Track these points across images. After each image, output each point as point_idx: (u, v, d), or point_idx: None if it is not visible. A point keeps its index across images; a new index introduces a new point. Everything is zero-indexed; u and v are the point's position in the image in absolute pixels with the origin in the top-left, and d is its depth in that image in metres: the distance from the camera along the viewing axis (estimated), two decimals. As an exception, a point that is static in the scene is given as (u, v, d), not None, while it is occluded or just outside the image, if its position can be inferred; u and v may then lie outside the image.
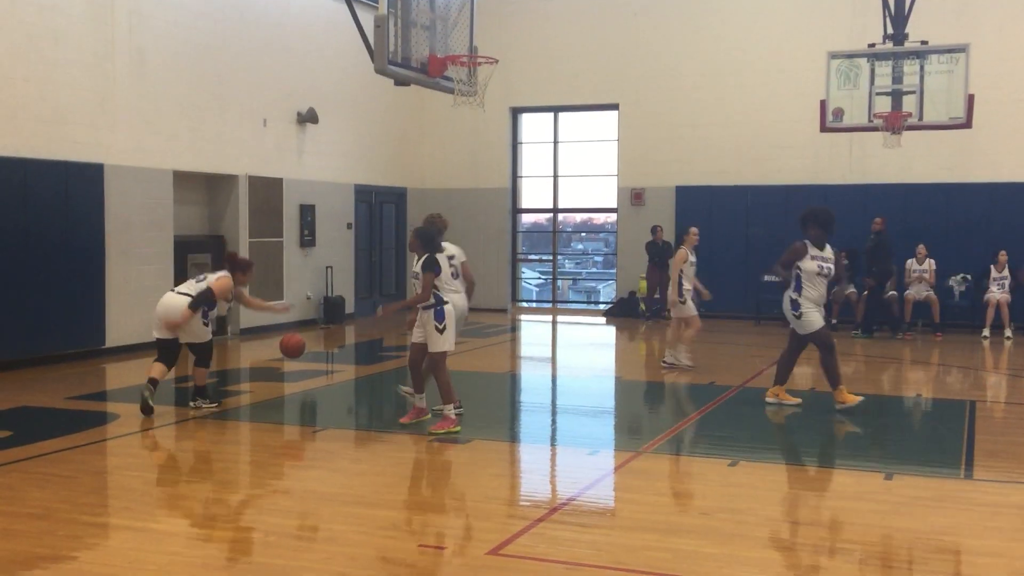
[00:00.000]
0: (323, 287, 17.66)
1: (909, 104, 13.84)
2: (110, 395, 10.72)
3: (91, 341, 12.95)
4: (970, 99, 13.55)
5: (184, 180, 14.77)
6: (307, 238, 17.22)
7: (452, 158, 20.86)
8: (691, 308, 12.28)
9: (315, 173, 17.44)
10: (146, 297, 13.75)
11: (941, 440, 8.89)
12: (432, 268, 8.20)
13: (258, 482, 7.18)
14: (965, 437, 8.53)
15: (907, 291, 16.49)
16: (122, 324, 13.35)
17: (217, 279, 9.35)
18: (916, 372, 13.12)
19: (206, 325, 9.44)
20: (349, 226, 18.54)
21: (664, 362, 12.66)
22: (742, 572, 5.02)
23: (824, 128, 14.59)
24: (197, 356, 9.52)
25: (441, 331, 8.23)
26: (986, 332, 15.88)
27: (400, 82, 9.67)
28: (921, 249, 16.66)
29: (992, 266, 16.30)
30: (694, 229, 12.60)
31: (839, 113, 14.20)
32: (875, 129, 14.24)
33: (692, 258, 12.31)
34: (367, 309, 18.87)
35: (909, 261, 16.66)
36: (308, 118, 16.96)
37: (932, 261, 16.64)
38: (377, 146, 19.44)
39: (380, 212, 19.91)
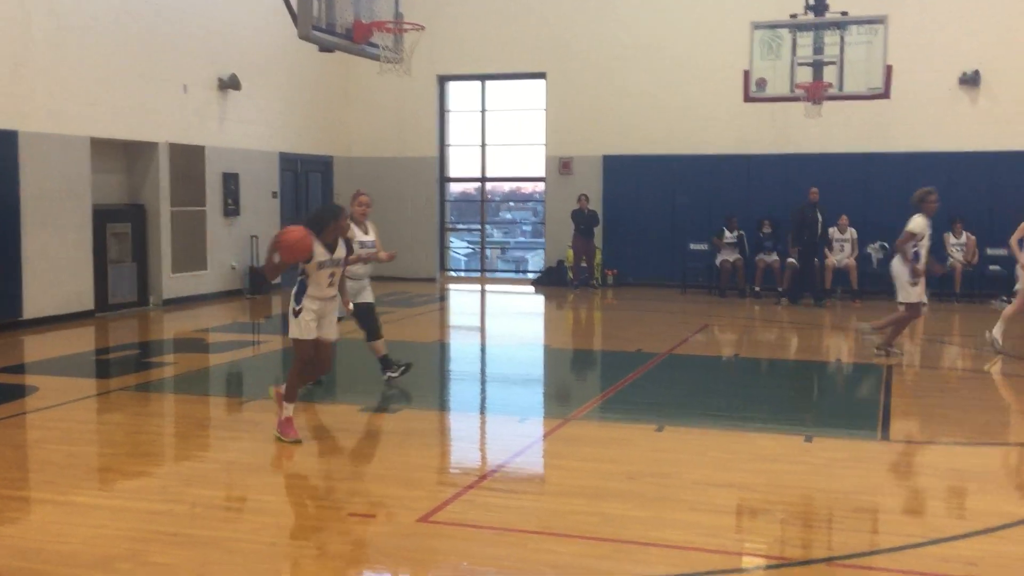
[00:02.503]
0: (248, 257, 17.42)
1: (830, 75, 14.08)
2: (28, 368, 10.46)
3: (7, 313, 12.61)
4: (888, 70, 13.83)
5: (102, 148, 14.39)
6: (231, 207, 16.94)
7: (379, 126, 20.66)
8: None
9: (238, 141, 17.14)
10: (64, 268, 13.46)
11: (858, 403, 9.15)
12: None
13: (184, 454, 7.09)
14: (881, 400, 8.78)
15: (827, 259, 16.86)
16: (40, 296, 13.02)
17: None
18: (835, 338, 13.44)
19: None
20: (274, 195, 18.29)
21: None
22: (668, 534, 5.12)
23: (747, 98, 14.77)
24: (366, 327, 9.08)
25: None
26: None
27: (325, 48, 9.54)
28: (844, 219, 17.03)
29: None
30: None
31: (762, 83, 14.39)
32: (797, 99, 14.47)
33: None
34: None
35: (832, 230, 17.02)
36: (230, 84, 16.62)
37: (853, 231, 17.03)
38: (302, 114, 19.16)
39: (306, 181, 19.66)
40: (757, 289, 17.34)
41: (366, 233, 8.77)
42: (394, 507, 5.62)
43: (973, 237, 16.83)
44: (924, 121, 17.41)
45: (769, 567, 4.82)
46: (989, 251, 16.88)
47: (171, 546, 4.98)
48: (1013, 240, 11.32)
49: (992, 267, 16.86)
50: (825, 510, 5.74)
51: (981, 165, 17.13)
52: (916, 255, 10.47)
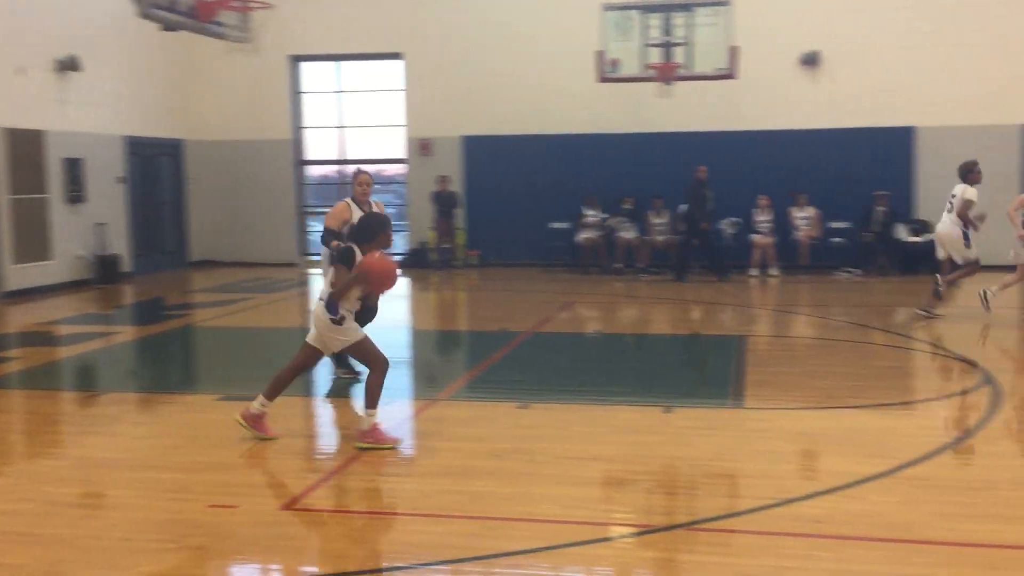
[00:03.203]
0: (96, 245, 16.72)
1: (681, 56, 14.44)
2: None
3: None
4: (734, 51, 14.28)
5: (-68, 133, 13.56)
6: (75, 194, 16.21)
7: (230, 109, 20.10)
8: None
9: (81, 124, 16.40)
10: None
11: (714, 374, 9.46)
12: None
13: (34, 451, 6.78)
14: (736, 370, 9.09)
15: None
16: None
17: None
18: (694, 311, 13.83)
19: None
20: (121, 180, 17.59)
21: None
22: (534, 508, 5.19)
23: (602, 79, 15.01)
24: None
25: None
26: (754, 271, 16.97)
27: (168, 27, 9.21)
28: (658, 202, 17.56)
29: (754, 210, 17.40)
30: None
31: (616, 64, 14.64)
32: (650, 80, 14.79)
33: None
34: (147, 267, 18.07)
35: (681, 207, 17.49)
36: (69, 65, 15.87)
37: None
38: (149, 96, 18.46)
39: (155, 165, 18.98)
40: (619, 266, 17.69)
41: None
42: (256, 496, 5.52)
43: (815, 210, 17.55)
44: (770, 100, 18.02)
45: (634, 535, 4.95)
46: (832, 224, 17.64)
47: (19, 545, 4.76)
48: (1011, 210, 11.86)
49: (835, 239, 17.65)
50: (684, 477, 5.92)
51: (823, 142, 17.87)
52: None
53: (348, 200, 8.41)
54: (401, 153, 20.14)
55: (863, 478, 5.62)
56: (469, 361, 10.49)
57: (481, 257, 19.07)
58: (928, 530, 4.90)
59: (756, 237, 17.24)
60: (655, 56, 14.50)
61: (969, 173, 11.72)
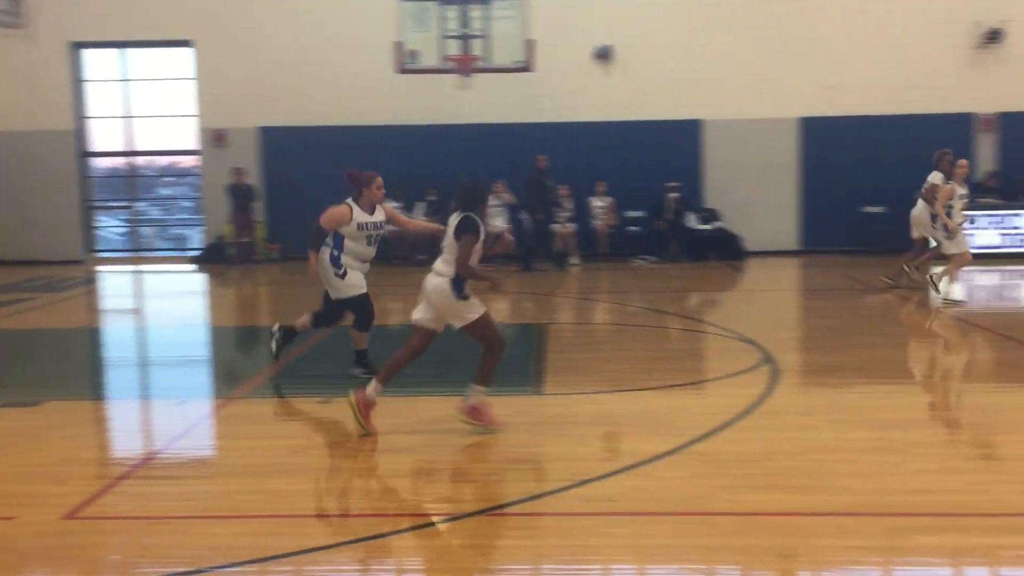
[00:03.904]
0: None
1: (478, 48, 14.55)
2: None
3: None
4: (530, 44, 14.52)
5: None
6: None
7: (5, 98, 18.79)
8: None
9: None
10: None
11: (516, 362, 9.59)
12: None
13: None
14: (537, 357, 9.26)
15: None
16: None
17: (329, 208, 7.96)
18: (498, 301, 13.98)
19: (340, 276, 7.93)
20: None
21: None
22: (332, 503, 5.13)
23: (400, 70, 14.94)
24: (354, 316, 8.17)
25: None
26: (560, 261, 17.39)
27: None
28: (499, 186, 17.72)
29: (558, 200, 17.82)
30: (963, 161, 12.19)
31: (414, 55, 14.60)
32: (448, 71, 14.83)
33: (960, 191, 11.96)
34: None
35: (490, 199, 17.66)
36: None
37: (508, 196, 17.78)
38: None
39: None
40: (424, 257, 17.68)
41: (371, 214, 8.08)
42: (36, 506, 5.19)
43: (612, 199, 18.11)
44: (566, 93, 18.45)
45: (440, 523, 4.96)
46: (628, 213, 18.26)
47: None
48: (939, 206, 11.98)
49: (631, 228, 18.27)
50: (488, 464, 5.99)
51: (618, 134, 18.45)
52: (948, 210, 11.81)
53: (350, 203, 8.02)
54: (194, 144, 19.42)
55: (654, 456, 5.85)
56: (269, 357, 10.23)
57: (283, 251, 18.64)
58: (714, 502, 5.14)
59: (556, 227, 17.62)
60: (454, 48, 14.56)
61: (939, 161, 12.43)
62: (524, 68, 14.70)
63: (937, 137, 17.88)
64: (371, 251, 8.21)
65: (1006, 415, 6.90)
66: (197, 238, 20.48)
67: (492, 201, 17.55)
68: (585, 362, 9.09)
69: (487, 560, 4.54)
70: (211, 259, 18.69)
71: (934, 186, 12.30)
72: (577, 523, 4.90)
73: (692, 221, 18.13)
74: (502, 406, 7.33)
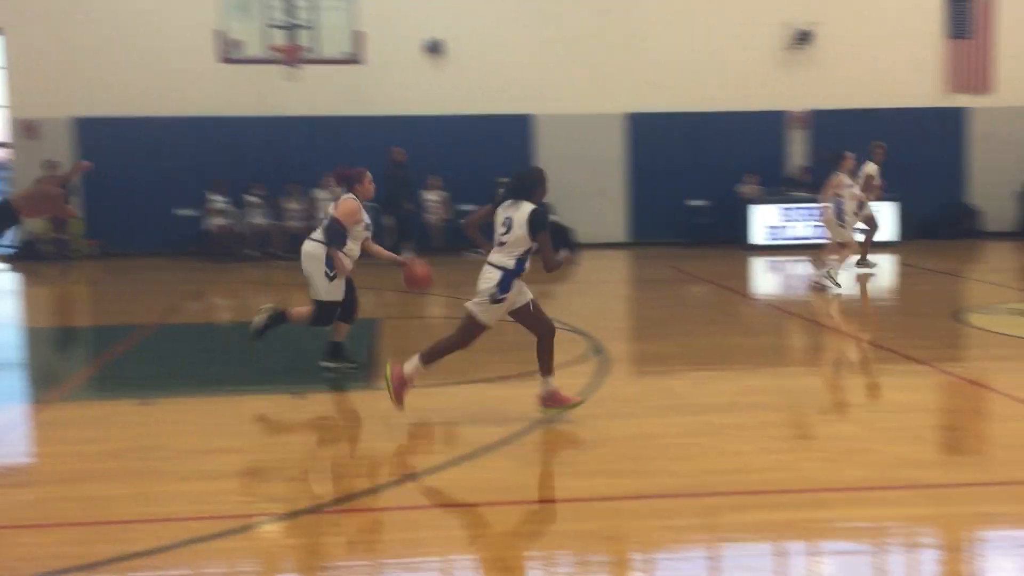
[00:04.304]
0: None
1: (306, 39, 14.30)
2: None
3: None
4: (359, 36, 14.38)
5: None
6: None
7: None
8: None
9: None
10: None
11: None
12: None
13: None
14: (370, 353, 9.19)
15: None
16: None
17: (341, 203, 7.78)
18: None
19: (329, 279, 7.73)
20: None
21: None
22: (154, 508, 4.94)
23: (223, 59, 14.52)
24: (315, 314, 7.93)
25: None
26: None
27: None
28: (329, 179, 17.48)
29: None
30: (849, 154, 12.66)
31: (238, 45, 14.22)
32: (274, 62, 14.52)
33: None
34: None
35: (319, 191, 17.41)
36: None
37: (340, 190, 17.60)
38: None
39: None
40: (256, 253, 17.27)
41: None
42: None
43: (446, 194, 18.16)
44: (398, 86, 18.38)
45: (270, 523, 4.85)
46: (462, 207, 18.30)
47: None
48: (825, 192, 12.66)
49: (463, 220, 18.35)
50: (319, 462, 5.91)
51: (451, 128, 18.51)
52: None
53: (354, 198, 7.91)
54: (2, 136, 18.33)
55: (486, 446, 5.90)
56: (87, 358, 9.78)
57: (102, 247, 17.84)
58: (545, 490, 5.24)
59: (389, 220, 17.54)
60: (279, 38, 14.25)
61: (873, 152, 13.71)
62: (353, 60, 14.55)
63: (754, 133, 18.78)
64: (358, 251, 8.03)
65: (815, 396, 7.31)
66: (9, 235, 19.34)
67: (323, 194, 17.35)
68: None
69: (320, 558, 4.48)
70: (24, 257, 17.70)
71: (869, 176, 13.28)
72: (410, 516, 4.90)
73: (524, 214, 18.38)
74: (334, 402, 7.26)
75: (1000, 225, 19.20)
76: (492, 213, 6.37)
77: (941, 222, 19.07)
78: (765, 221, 18.18)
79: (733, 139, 18.74)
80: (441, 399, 7.31)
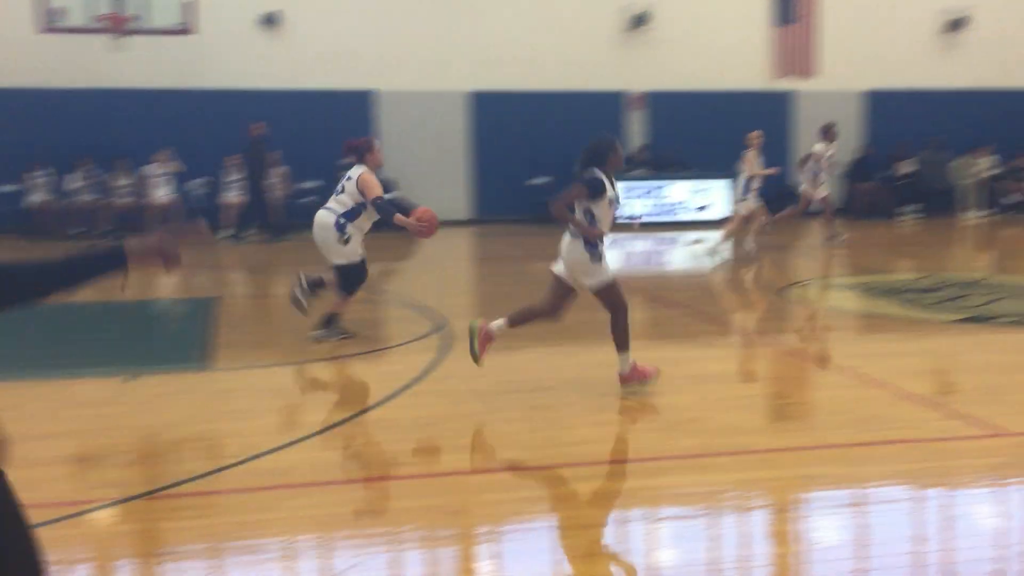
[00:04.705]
0: None
1: (133, 8, 13.71)
2: None
3: None
4: (189, 6, 13.88)
5: None
6: None
7: None
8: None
9: None
10: None
11: (183, 338, 9.22)
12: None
13: None
14: (206, 333, 8.94)
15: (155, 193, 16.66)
16: None
17: (362, 179, 7.90)
18: (165, 275, 13.33)
19: (344, 243, 8.00)
20: None
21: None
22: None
23: (44, 28, 13.75)
24: (342, 280, 8.15)
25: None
26: (232, 231, 16.82)
27: None
28: (162, 155, 16.86)
29: (222, 171, 17.21)
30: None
31: (59, 13, 13.50)
32: (99, 31, 13.86)
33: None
34: None
35: (149, 167, 16.77)
36: None
37: (174, 165, 17.00)
38: None
39: None
40: (77, 232, 16.50)
41: None
42: None
43: (286, 169, 17.77)
44: (232, 59, 17.83)
45: (104, 509, 4.66)
46: (303, 184, 17.96)
47: None
48: (747, 172, 13.49)
49: (306, 199, 17.99)
50: (154, 445, 5.71)
51: (289, 102, 18.11)
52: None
53: (368, 170, 8.03)
54: None
55: (330, 426, 5.84)
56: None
57: (-89, 227, 16.69)
58: (391, 467, 5.23)
59: (227, 197, 17.06)
60: (105, 6, 13.60)
61: (826, 133, 14.33)
62: (184, 31, 14.04)
63: (593, 113, 19.11)
64: (370, 225, 8.24)
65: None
66: None
67: (156, 170, 16.73)
68: (258, 336, 8.91)
69: (156, 544, 4.34)
70: None
71: (816, 153, 14.20)
72: (251, 498, 4.80)
73: (367, 192, 18.20)
74: (168, 383, 7.04)
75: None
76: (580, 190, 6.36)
77: (769, 200, 19.92)
78: (605, 199, 18.57)
79: (574, 119, 19.02)
80: (285, 378, 7.19)
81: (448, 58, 18.78)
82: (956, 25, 20.17)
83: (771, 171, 13.85)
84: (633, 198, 18.60)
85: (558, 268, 6.52)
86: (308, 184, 17.94)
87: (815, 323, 9.50)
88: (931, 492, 4.94)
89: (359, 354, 8.02)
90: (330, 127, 18.15)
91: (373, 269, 13.49)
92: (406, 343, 8.38)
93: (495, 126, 19.10)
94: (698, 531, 4.50)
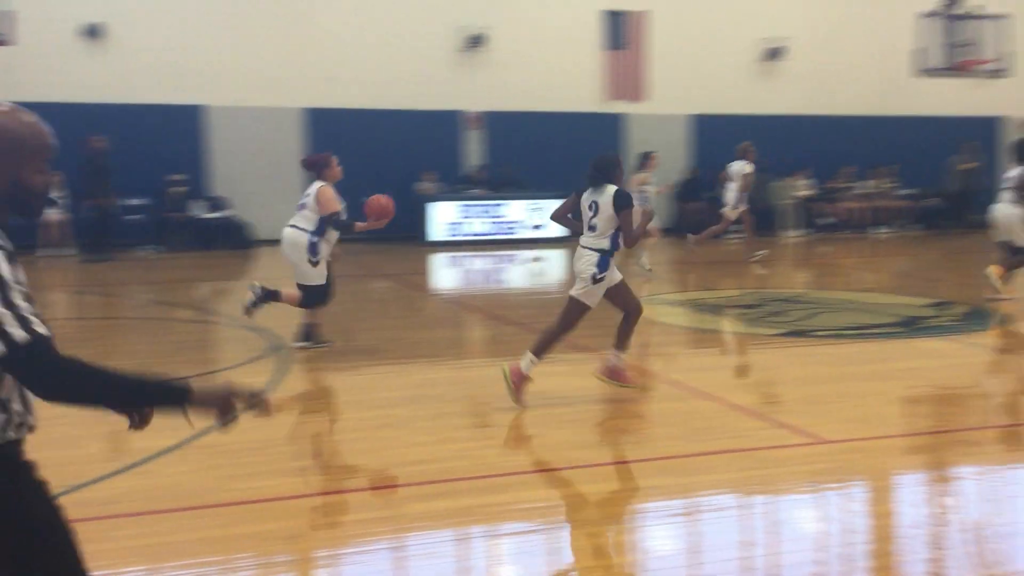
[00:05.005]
0: None
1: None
2: None
3: None
4: (7, 15, 13.25)
5: None
6: None
7: None
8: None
9: None
10: None
11: None
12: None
13: None
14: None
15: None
16: None
17: (320, 193, 8.18)
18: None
19: (313, 264, 8.19)
20: None
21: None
22: None
23: None
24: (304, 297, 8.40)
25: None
26: (50, 251, 16.04)
27: None
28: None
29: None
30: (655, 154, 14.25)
31: None
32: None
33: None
34: None
35: None
36: None
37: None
38: None
39: None
40: None
41: None
42: None
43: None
44: (50, 70, 17.02)
45: None
46: (129, 202, 17.27)
47: None
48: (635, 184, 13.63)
49: (132, 217, 17.32)
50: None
51: (113, 116, 17.40)
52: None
53: (328, 185, 8.33)
54: None
55: (157, 453, 5.63)
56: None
57: None
58: (223, 493, 5.07)
59: (48, 214, 16.25)
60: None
61: (745, 153, 14.82)
62: (1, 42, 13.34)
63: (432, 132, 19.19)
64: (336, 236, 8.45)
65: (492, 387, 7.58)
66: None
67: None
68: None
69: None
70: None
71: (746, 175, 14.61)
72: (78, 529, 4.55)
73: (198, 209, 17.68)
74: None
75: (654, 222, 20.88)
76: (576, 202, 6.70)
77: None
78: (444, 218, 18.66)
79: (411, 137, 19.05)
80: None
81: (282, 74, 18.47)
82: (774, 55, 21.27)
83: (664, 188, 14.63)
84: (471, 217, 18.75)
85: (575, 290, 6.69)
86: (135, 202, 17.31)
87: (648, 338, 9.80)
88: (758, 499, 5.16)
89: (190, 377, 7.75)
90: (158, 142, 17.60)
91: (203, 289, 13.19)
92: (240, 365, 8.16)
93: (331, 144, 18.73)
94: (537, 546, 4.55)
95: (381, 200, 8.21)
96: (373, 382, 7.64)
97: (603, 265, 6.53)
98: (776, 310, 10.88)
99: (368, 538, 4.58)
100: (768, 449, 5.92)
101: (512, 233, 18.79)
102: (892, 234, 20.48)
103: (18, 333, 2.21)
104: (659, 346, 9.23)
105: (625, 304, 6.82)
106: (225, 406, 2.59)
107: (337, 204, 8.23)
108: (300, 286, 8.38)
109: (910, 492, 5.30)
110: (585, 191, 6.66)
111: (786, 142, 20.45)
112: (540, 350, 6.67)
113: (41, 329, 2.24)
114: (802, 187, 20.77)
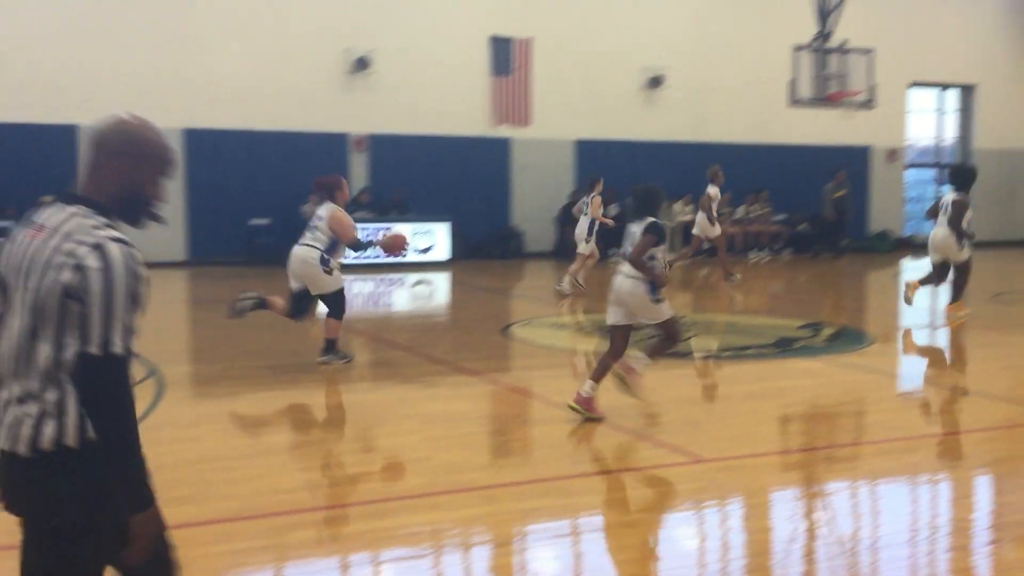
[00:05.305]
0: None
1: None
2: None
3: None
4: None
5: None
6: None
7: None
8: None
9: None
10: None
11: None
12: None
13: None
14: None
15: None
16: None
17: (334, 216, 8.47)
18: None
19: (327, 273, 8.56)
20: None
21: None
22: None
23: None
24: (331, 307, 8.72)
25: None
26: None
27: None
28: None
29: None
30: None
31: None
32: None
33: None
34: None
35: None
36: None
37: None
38: None
39: None
40: None
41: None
42: None
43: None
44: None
45: None
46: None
47: None
48: (591, 215, 14.05)
49: None
50: None
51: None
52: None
53: (339, 208, 8.60)
54: None
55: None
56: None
57: None
58: (95, 525, 4.88)
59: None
60: None
61: (713, 177, 15.48)
62: None
63: (317, 154, 19.00)
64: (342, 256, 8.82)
65: (376, 410, 7.54)
66: None
67: None
68: None
69: None
70: None
71: (708, 196, 15.28)
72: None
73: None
74: None
75: (540, 246, 21.07)
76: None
77: (490, 242, 20.54)
78: (327, 241, 18.43)
79: (296, 159, 18.80)
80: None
81: (161, 93, 17.99)
82: (655, 83, 21.78)
83: (609, 221, 14.64)
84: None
85: (616, 316, 6.87)
86: (2, 224, 16.60)
87: (531, 360, 9.87)
88: (640, 517, 5.24)
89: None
90: (30, 163, 16.95)
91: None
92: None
93: (212, 165, 18.50)
94: (423, 571, 4.53)
95: (398, 239, 8.80)
96: (254, 408, 7.49)
97: (653, 288, 6.74)
98: (654, 332, 11.10)
99: (249, 567, 4.48)
100: (650, 469, 6.03)
101: (398, 256, 18.69)
102: (766, 258, 21.13)
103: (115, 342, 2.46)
104: (540, 368, 9.30)
105: (669, 332, 7.01)
106: (150, 540, 2.61)
107: (354, 231, 8.63)
108: (322, 297, 8.75)
109: (784, 507, 5.46)
110: (632, 221, 6.91)
111: (667, 167, 20.91)
112: (599, 377, 6.90)
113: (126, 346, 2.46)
114: (682, 212, 21.27)
